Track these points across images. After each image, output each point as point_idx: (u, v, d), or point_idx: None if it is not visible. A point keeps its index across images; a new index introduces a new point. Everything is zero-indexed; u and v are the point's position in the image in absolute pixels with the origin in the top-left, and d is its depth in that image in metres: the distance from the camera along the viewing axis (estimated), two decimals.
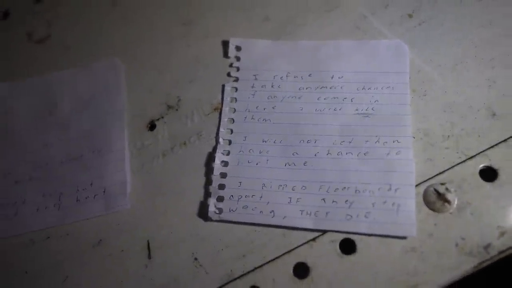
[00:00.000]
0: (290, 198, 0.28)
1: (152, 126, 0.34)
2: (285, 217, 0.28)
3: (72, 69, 0.37)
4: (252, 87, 0.33)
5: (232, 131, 0.32)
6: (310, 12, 0.35)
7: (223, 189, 0.29)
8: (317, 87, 0.32)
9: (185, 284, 0.28)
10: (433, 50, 0.32)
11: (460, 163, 0.28)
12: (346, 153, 0.29)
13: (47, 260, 0.30)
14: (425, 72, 0.31)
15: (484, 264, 0.25)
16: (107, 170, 0.32)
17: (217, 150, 0.31)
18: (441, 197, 0.27)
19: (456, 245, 0.25)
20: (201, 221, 0.29)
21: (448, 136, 0.29)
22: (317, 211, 0.28)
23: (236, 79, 0.34)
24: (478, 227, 0.26)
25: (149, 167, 0.32)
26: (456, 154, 0.28)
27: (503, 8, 0.32)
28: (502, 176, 0.27)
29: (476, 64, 0.31)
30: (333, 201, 0.28)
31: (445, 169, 0.27)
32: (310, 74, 0.33)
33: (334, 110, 0.31)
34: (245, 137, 0.31)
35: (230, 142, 0.31)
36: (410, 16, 0.33)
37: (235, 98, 0.33)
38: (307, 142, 0.30)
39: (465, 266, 0.25)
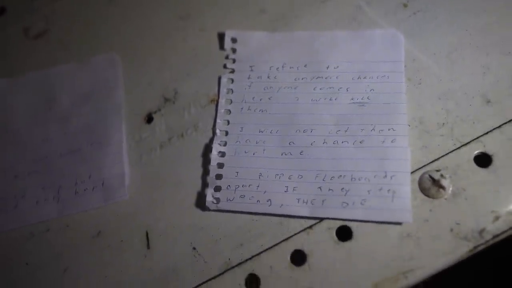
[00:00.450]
0: (287, 187, 0.29)
1: (149, 119, 0.34)
2: (282, 205, 0.28)
3: (70, 63, 0.37)
4: (248, 78, 0.33)
5: (228, 122, 0.32)
6: (306, 3, 0.35)
7: (220, 179, 0.30)
8: (313, 78, 0.32)
9: (184, 273, 0.28)
10: (428, 39, 0.32)
11: (455, 149, 0.28)
12: (342, 142, 0.29)
13: (47, 252, 0.30)
14: (420, 61, 0.31)
15: (479, 249, 0.25)
16: (105, 162, 0.32)
17: (214, 141, 0.31)
18: (436, 183, 0.27)
19: (451, 230, 0.26)
20: (199, 211, 0.29)
21: (443, 123, 0.29)
22: (313, 199, 0.28)
23: (232, 71, 0.34)
24: (472, 212, 0.26)
25: (147, 159, 0.32)
26: (451, 141, 0.28)
27: None
28: (496, 161, 0.27)
29: (471, 51, 0.31)
30: (329, 189, 0.28)
31: (440, 155, 0.28)
32: (306, 64, 0.33)
33: (330, 99, 0.31)
34: (242, 127, 0.31)
35: (227, 133, 0.31)
36: (405, 5, 0.34)
37: (232, 89, 0.33)
38: (303, 132, 0.30)
39: (460, 250, 0.25)
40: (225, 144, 0.31)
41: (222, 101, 0.33)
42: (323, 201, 0.28)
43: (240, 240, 0.28)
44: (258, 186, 0.29)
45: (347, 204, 0.27)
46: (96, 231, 0.30)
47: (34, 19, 0.40)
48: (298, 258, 0.27)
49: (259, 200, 0.28)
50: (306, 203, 0.28)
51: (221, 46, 0.35)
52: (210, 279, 0.27)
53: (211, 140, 0.31)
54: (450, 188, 0.27)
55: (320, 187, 0.28)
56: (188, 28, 0.37)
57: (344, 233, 0.27)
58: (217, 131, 0.32)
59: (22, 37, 0.40)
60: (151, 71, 0.36)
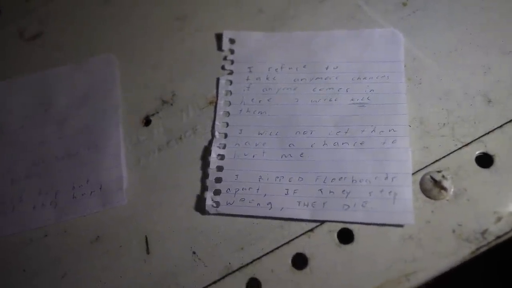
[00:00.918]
0: (287, 189, 0.28)
1: (147, 122, 0.33)
2: (282, 208, 0.28)
3: (66, 65, 0.37)
4: (247, 79, 0.33)
5: (227, 124, 0.31)
6: (304, 3, 0.35)
7: (220, 182, 0.29)
8: (312, 78, 0.32)
9: (184, 278, 0.28)
10: (427, 38, 0.32)
11: (456, 150, 0.27)
12: (342, 143, 0.29)
13: (45, 258, 0.30)
14: (420, 60, 0.31)
15: (482, 250, 0.25)
16: (103, 166, 0.32)
17: (213, 144, 0.31)
18: (438, 184, 0.27)
19: (453, 231, 0.25)
20: (198, 215, 0.29)
21: (444, 123, 0.29)
22: (314, 202, 0.28)
23: (231, 72, 0.33)
24: (474, 213, 0.26)
25: (145, 162, 0.32)
26: (452, 142, 0.28)
27: None
28: (498, 162, 0.27)
29: (471, 51, 0.30)
30: (330, 192, 0.28)
31: (442, 156, 0.27)
32: (305, 65, 0.33)
33: (330, 100, 0.31)
34: (241, 130, 0.31)
35: (226, 136, 0.31)
36: (404, 4, 0.33)
37: (230, 91, 0.33)
38: (303, 134, 0.30)
39: (463, 252, 0.25)
40: (224, 147, 0.31)
41: (220, 103, 0.32)
42: (324, 203, 0.27)
43: (240, 244, 0.28)
44: (258, 189, 0.28)
45: (348, 206, 0.27)
46: (94, 236, 0.30)
47: (29, 20, 0.39)
48: (300, 261, 0.27)
49: (259, 203, 0.28)
50: (307, 205, 0.27)
51: (219, 47, 0.35)
52: (210, 284, 0.27)
53: (210, 143, 0.31)
54: (452, 189, 0.26)
55: (320, 190, 0.28)
56: (185, 28, 0.36)
57: (345, 236, 0.27)
58: (216, 133, 0.31)
59: (18, 39, 0.39)
60: (148, 72, 0.35)
